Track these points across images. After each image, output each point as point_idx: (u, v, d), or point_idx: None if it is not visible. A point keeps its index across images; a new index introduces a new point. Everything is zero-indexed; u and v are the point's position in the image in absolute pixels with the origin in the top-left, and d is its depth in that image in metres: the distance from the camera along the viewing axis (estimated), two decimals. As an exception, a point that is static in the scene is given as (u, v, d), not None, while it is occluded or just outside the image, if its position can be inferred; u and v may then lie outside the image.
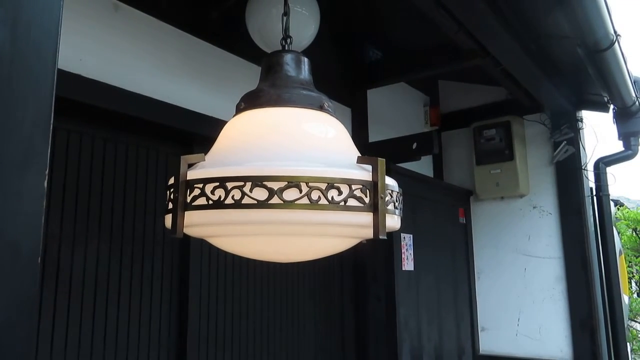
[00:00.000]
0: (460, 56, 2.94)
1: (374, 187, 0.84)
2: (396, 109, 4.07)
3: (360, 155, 0.90)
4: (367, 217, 0.83)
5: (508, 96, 4.16)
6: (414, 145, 3.15)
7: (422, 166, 4.08)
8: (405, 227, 3.23)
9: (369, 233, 0.84)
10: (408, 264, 3.16)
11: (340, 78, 3.42)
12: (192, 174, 0.83)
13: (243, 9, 1.97)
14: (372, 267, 3.03)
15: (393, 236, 3.02)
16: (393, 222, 0.91)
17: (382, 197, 0.84)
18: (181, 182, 0.83)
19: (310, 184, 0.78)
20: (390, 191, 0.90)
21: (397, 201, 0.93)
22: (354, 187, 0.82)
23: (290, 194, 0.78)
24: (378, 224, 0.83)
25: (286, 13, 1.09)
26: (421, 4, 2.27)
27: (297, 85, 0.99)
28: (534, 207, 3.98)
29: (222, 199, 0.79)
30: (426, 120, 4.55)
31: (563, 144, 3.81)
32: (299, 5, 1.85)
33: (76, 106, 1.67)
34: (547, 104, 3.71)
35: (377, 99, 3.67)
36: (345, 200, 0.81)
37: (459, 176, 4.34)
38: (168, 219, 0.85)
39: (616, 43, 2.32)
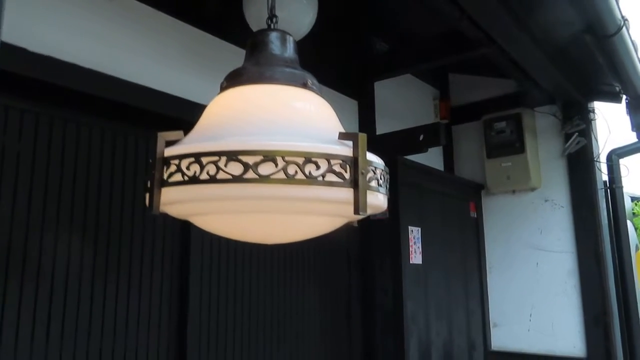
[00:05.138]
0: (467, 46, 2.89)
1: (354, 163, 0.82)
2: (405, 103, 4.02)
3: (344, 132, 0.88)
4: (347, 193, 0.81)
5: (518, 88, 4.10)
6: (421, 137, 3.11)
7: (433, 160, 4.03)
8: (413, 220, 3.19)
9: (349, 210, 0.81)
10: (416, 257, 3.12)
11: (347, 71, 3.39)
12: (169, 151, 0.82)
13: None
14: (379, 259, 3.00)
15: (400, 228, 2.98)
16: (377, 200, 0.89)
17: (362, 173, 0.82)
18: (158, 159, 0.82)
19: (287, 159, 0.76)
20: (373, 168, 0.87)
21: (381, 179, 0.90)
22: (332, 162, 0.80)
23: (266, 169, 0.76)
24: (358, 200, 0.80)
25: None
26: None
27: (281, 63, 0.97)
28: (546, 201, 3.90)
29: (197, 175, 0.78)
30: (436, 113, 4.50)
31: (575, 135, 3.73)
32: (296, -8, 1.83)
33: (75, 96, 1.68)
34: (557, 94, 3.64)
35: (386, 92, 3.64)
36: (323, 175, 0.78)
37: (470, 170, 4.29)
38: (147, 197, 0.84)
39: (624, 28, 2.26)
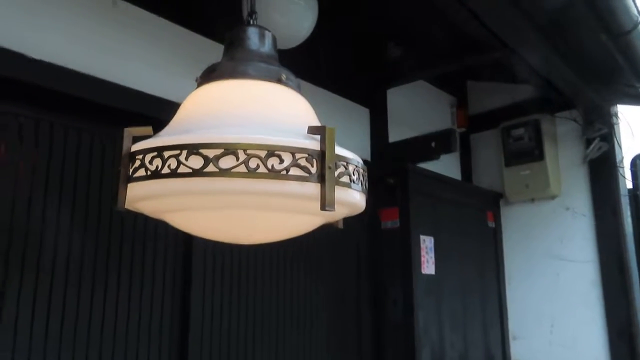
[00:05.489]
0: (479, 50, 2.84)
1: (321, 157, 0.79)
2: (421, 111, 3.96)
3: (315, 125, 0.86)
4: (314, 188, 0.78)
5: (537, 94, 4.00)
6: (433, 144, 3.06)
7: (450, 169, 3.96)
8: (425, 229, 3.12)
9: (316, 206, 0.78)
10: (428, 267, 3.04)
11: (357, 78, 3.37)
12: (135, 147, 0.81)
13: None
14: (389, 269, 2.94)
15: (411, 237, 2.92)
16: (350, 197, 0.85)
17: (330, 167, 0.79)
18: (124, 155, 0.81)
19: (249, 152, 0.74)
20: (344, 163, 0.84)
21: (355, 175, 0.87)
22: (297, 155, 0.77)
23: (227, 162, 0.74)
24: (325, 195, 0.77)
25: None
26: None
27: (257, 58, 0.95)
28: (567, 209, 3.77)
29: (159, 169, 0.76)
30: (453, 122, 4.42)
31: (596, 140, 3.61)
32: (295, -4, 1.83)
33: (84, 104, 1.71)
34: (576, 98, 3.53)
35: (401, 100, 3.60)
36: (287, 169, 0.76)
37: (488, 179, 4.19)
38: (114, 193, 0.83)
39: (640, 25, 2.17)
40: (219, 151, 0.74)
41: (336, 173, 0.81)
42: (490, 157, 4.23)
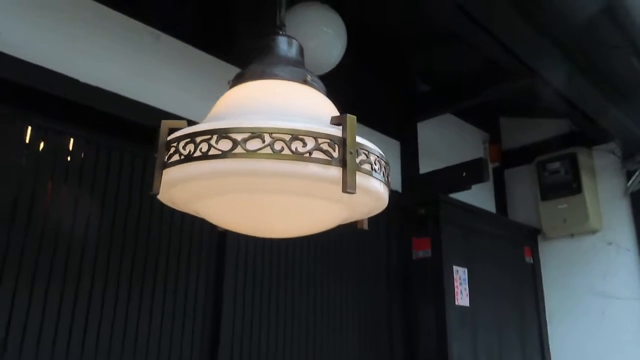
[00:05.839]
0: (507, 79, 2.86)
1: (343, 143, 0.83)
2: (453, 146, 3.97)
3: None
4: (335, 171, 0.82)
5: (572, 127, 3.96)
6: (464, 174, 3.05)
7: (484, 203, 3.90)
8: (458, 260, 3.06)
9: (338, 191, 0.82)
10: (462, 299, 2.96)
11: (388, 112, 3.43)
12: (171, 137, 0.88)
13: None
14: (422, 299, 2.88)
15: (443, 267, 2.87)
16: (371, 184, 0.88)
17: (351, 153, 0.83)
18: (160, 144, 0.88)
19: (274, 135, 0.79)
20: (366, 152, 0.88)
21: (376, 165, 0.90)
22: (320, 140, 0.81)
23: (254, 144, 0.79)
24: (346, 178, 0.81)
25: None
26: (457, 27, 2.28)
27: (283, 62, 1.02)
28: (609, 244, 3.63)
29: (191, 153, 0.82)
30: (486, 156, 4.40)
31: (637, 172, 3.51)
32: (325, 25, 1.93)
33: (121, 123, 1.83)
34: (611, 127, 3.45)
35: (432, 134, 3.63)
36: (310, 152, 0.80)
37: (524, 213, 4.10)
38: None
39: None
40: (246, 135, 0.79)
41: (357, 160, 0.85)
42: (525, 191, 4.16)
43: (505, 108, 4.32)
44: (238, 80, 1.00)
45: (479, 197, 3.72)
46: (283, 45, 1.06)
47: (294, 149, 0.79)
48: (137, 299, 1.86)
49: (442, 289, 2.80)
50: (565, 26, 2.23)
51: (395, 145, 3.44)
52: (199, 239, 2.07)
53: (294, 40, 1.08)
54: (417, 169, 3.39)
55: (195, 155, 0.82)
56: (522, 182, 4.21)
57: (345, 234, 2.78)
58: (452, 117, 3.96)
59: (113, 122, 1.84)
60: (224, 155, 0.79)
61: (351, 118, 0.84)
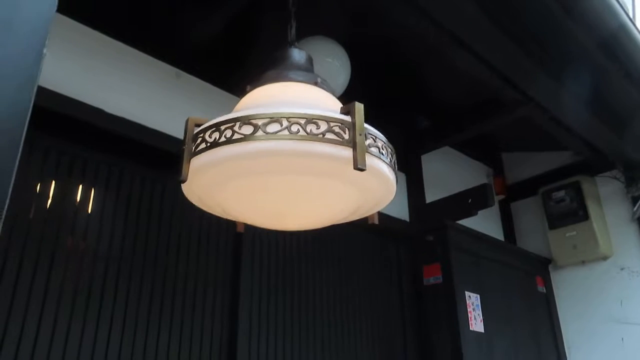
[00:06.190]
0: (505, 108, 2.98)
1: (353, 127, 0.92)
2: (457, 180, 4.05)
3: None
4: (347, 151, 0.91)
5: (574, 158, 4.04)
6: (469, 200, 3.11)
7: (492, 234, 3.93)
8: (470, 286, 3.07)
9: (350, 170, 0.90)
10: (477, 325, 2.94)
11: (392, 144, 3.54)
12: (197, 130, 0.98)
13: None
14: (436, 324, 2.87)
15: (455, 292, 2.87)
16: (379, 165, 0.97)
17: (360, 134, 0.92)
18: (188, 137, 0.98)
19: (291, 119, 0.89)
20: (373, 136, 0.97)
21: (384, 150, 0.99)
22: (332, 124, 0.91)
23: (273, 127, 0.89)
24: (357, 156, 0.90)
25: (291, 26, 1.28)
26: (452, 54, 2.42)
27: (296, 68, 1.14)
28: (622, 269, 3.61)
29: (217, 140, 0.92)
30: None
31: (642, 197, 3.55)
32: (330, 56, 2.08)
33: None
34: (614, 156, 3.54)
35: (437, 168, 3.72)
36: (323, 134, 0.90)
37: (533, 243, 4.10)
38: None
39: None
40: (266, 120, 0.89)
41: (366, 143, 0.94)
42: (533, 221, 4.18)
43: (505, 143, 4.43)
44: (255, 84, 1.12)
45: (487, 228, 3.76)
46: (295, 55, 1.19)
47: (308, 131, 0.89)
48: (157, 317, 1.90)
49: (456, 314, 2.79)
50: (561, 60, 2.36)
51: (400, 177, 3.53)
52: (214, 261, 2.14)
53: (303, 52, 1.21)
54: (424, 199, 3.45)
55: (220, 141, 0.91)
56: (529, 213, 4.25)
57: (358, 263, 2.83)
58: (456, 152, 4.08)
59: (136, 149, 1.96)
60: (246, 138, 0.89)
61: (359, 105, 0.94)
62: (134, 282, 1.90)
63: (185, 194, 1.08)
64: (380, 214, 3.31)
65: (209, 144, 0.93)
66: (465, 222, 3.31)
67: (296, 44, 1.26)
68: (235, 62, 2.41)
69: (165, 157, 1.99)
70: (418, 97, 3.47)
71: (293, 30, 1.28)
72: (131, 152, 1.98)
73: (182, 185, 1.04)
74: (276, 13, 1.54)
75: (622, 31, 2.07)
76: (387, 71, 2.98)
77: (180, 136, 1.94)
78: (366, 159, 0.91)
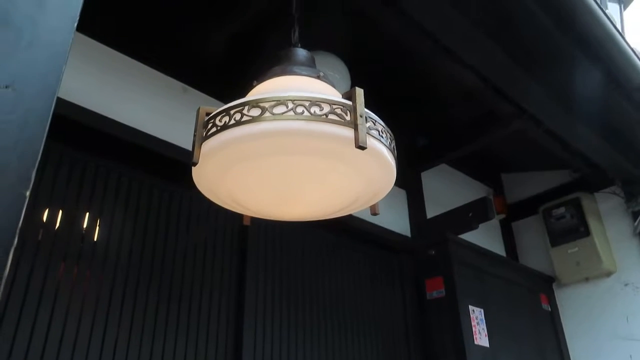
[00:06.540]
0: (500, 122, 3.04)
1: (354, 110, 0.99)
2: (459, 200, 4.09)
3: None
4: (348, 131, 0.96)
5: (573, 176, 4.08)
6: (470, 214, 3.15)
7: (494, 251, 3.94)
8: (473, 300, 3.07)
9: (352, 149, 0.96)
10: (481, 339, 2.93)
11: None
12: (209, 116, 1.04)
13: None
14: (440, 338, 2.86)
15: (459, 305, 2.87)
16: (378, 147, 1.02)
17: (361, 116, 0.98)
18: (199, 124, 1.04)
19: (296, 101, 0.95)
20: (373, 120, 1.03)
21: (383, 134, 1.05)
22: (334, 106, 0.97)
23: (279, 109, 0.95)
24: (358, 135, 0.95)
25: (295, 31, 1.37)
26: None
27: (299, 64, 1.21)
28: (626, 284, 3.61)
29: (227, 123, 0.98)
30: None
31: (641, 211, 3.58)
32: (331, 68, 2.16)
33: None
34: (612, 171, 3.59)
35: (437, 187, 3.77)
36: (326, 115, 0.96)
37: (536, 261, 4.10)
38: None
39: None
40: (273, 102, 0.96)
41: (367, 125, 1.00)
42: (534, 240, 4.20)
43: (505, 164, 4.49)
44: (262, 79, 1.19)
45: (489, 247, 3.76)
46: (298, 54, 1.26)
47: (312, 112, 0.95)
48: (163, 322, 1.92)
49: (460, 327, 2.79)
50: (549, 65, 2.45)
51: (401, 193, 3.58)
52: (220, 266, 2.17)
53: (306, 51, 1.28)
54: (425, 215, 3.49)
55: (230, 124, 0.97)
56: (530, 231, 4.26)
57: (363, 274, 2.85)
58: (457, 172, 4.14)
59: (144, 158, 2.02)
60: (254, 119, 0.95)
61: (359, 90, 1.01)
62: (142, 287, 1.93)
63: (197, 184, 1.13)
64: (381, 228, 3.33)
65: (219, 127, 0.99)
66: (468, 239, 3.34)
67: (299, 45, 1.34)
68: (239, 76, 2.50)
69: (171, 165, 2.06)
70: (417, 113, 3.56)
71: (296, 34, 1.36)
72: (140, 160, 2.04)
73: (193, 173, 1.10)
74: (279, 32, 1.63)
75: (609, 42, 2.16)
76: (386, 86, 3.06)
77: (187, 147, 2.00)
78: (367, 140, 0.97)
